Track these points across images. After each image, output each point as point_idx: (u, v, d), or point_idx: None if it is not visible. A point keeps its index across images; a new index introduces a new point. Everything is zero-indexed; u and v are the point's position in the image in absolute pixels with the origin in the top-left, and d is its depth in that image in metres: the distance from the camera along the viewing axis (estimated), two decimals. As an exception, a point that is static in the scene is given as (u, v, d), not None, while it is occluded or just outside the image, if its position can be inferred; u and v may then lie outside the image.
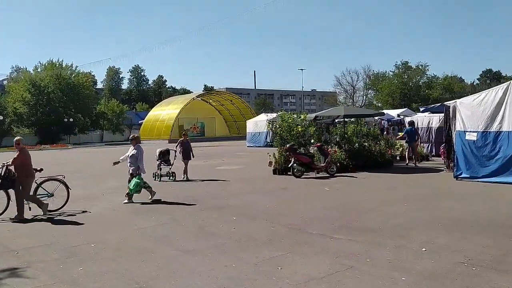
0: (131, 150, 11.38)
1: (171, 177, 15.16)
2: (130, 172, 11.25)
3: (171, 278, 5.45)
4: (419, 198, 10.57)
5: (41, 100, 60.45)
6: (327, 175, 15.39)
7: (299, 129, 17.36)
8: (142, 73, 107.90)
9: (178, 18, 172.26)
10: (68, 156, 34.71)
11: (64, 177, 10.59)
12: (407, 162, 18.16)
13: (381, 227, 7.64)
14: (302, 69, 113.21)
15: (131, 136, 12.01)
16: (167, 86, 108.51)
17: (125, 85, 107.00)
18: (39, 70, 64.15)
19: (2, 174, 9.46)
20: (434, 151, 20.78)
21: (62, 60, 65.50)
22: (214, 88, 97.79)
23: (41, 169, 9.95)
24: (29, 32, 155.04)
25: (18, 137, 9.94)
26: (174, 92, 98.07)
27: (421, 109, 19.40)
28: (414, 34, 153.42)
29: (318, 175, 15.47)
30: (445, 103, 14.45)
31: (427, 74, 78.10)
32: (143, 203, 10.86)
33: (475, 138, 12.92)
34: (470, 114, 13.09)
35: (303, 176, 15.22)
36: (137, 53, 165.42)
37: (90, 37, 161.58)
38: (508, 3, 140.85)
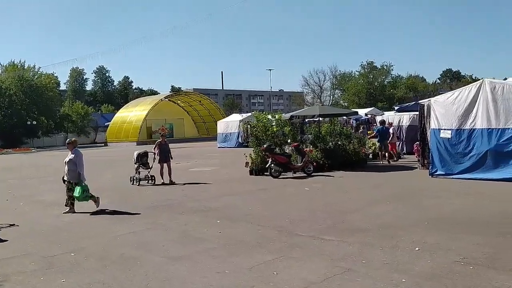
0: (68, 156, 10.35)
1: (150, 181, 14.55)
2: (67, 179, 10.20)
3: None
4: (399, 196, 10.62)
5: (2, 102, 58.01)
6: (304, 175, 15.32)
7: (274, 129, 17.27)
8: (107, 74, 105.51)
9: (144, 19, 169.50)
10: (33, 160, 33.44)
11: None
12: (381, 160, 18.38)
13: (369, 227, 7.58)
14: (270, 70, 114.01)
15: (67, 140, 10.98)
16: (133, 88, 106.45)
17: (89, 87, 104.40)
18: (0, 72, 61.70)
19: None
20: (405, 149, 21.10)
21: (24, 61, 63.27)
22: (182, 89, 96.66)
23: None
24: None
25: None
26: (141, 93, 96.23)
27: (396, 108, 19.69)
28: (379, 35, 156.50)
29: (295, 175, 15.39)
30: (420, 101, 14.65)
31: (391, 74, 79.81)
32: (114, 211, 10.44)
33: (449, 136, 13.13)
34: (444, 112, 13.29)
35: (280, 176, 15.11)
36: (102, 54, 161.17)
37: (53, 38, 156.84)
38: (466, 3, 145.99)
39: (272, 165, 15.10)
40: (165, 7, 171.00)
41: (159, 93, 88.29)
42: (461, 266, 5.41)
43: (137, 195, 12.55)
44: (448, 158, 13.12)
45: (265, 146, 15.56)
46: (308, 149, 16.64)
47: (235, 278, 5.35)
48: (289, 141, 16.69)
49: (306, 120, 21.73)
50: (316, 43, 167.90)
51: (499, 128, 12.25)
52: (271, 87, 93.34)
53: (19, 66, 61.29)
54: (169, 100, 62.64)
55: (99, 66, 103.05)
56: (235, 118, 38.48)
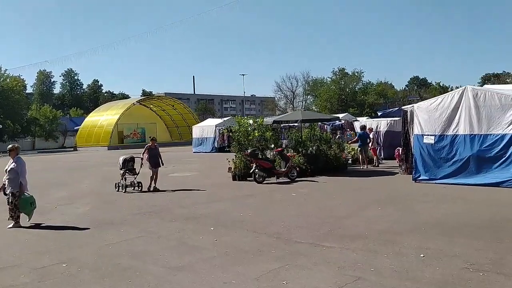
0: (10, 164, 9.41)
1: (136, 187, 13.87)
2: (7, 191, 9.25)
3: (170, 300, 4.95)
4: (388, 201, 10.65)
5: (-34, 105, 55.91)
6: (288, 180, 15.25)
7: (256, 134, 17.13)
8: (76, 77, 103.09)
9: (114, 22, 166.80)
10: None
11: None
12: (361, 166, 18.55)
13: (367, 233, 7.52)
14: (243, 75, 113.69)
15: (9, 146, 9.96)
16: (103, 91, 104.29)
17: (57, 90, 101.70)
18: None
19: None
20: (382, 154, 21.34)
21: (-11, 64, 61.21)
22: (153, 93, 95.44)
23: None
24: None
25: None
26: (112, 97, 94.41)
27: (379, 114, 19.87)
28: (350, 42, 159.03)
29: (278, 180, 15.29)
30: (403, 107, 14.82)
31: (362, 81, 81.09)
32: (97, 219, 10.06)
33: (432, 142, 13.32)
34: (427, 118, 13.48)
35: (264, 182, 14.97)
36: (73, 56, 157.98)
37: (19, 40, 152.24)
38: (433, 12, 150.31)
39: (257, 170, 14.95)
40: (136, 11, 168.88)
41: (130, 97, 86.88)
42: (471, 272, 5.39)
43: (120, 202, 12.15)
44: (431, 163, 13.30)
45: (249, 151, 15.40)
46: (290, 154, 16.57)
47: (243, 289, 5.17)
48: (273, 146, 16.57)
49: (282, 125, 21.77)
50: (287, 49, 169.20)
51: (482, 134, 12.50)
52: (244, 92, 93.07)
53: (-17, 69, 59.24)
54: (141, 104, 61.64)
55: (68, 69, 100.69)
56: (211, 122, 38.17)
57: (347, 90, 78.93)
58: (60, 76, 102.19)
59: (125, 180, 13.92)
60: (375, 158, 19.35)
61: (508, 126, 11.97)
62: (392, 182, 14.23)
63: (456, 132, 12.91)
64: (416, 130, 13.69)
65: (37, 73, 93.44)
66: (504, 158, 11.99)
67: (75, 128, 63.72)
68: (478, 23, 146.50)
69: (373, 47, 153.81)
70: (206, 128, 36.79)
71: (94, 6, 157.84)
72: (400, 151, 15.81)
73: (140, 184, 13.87)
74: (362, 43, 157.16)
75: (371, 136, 19.05)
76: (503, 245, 6.52)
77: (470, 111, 12.65)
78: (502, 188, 11.63)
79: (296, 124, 27.01)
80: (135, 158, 14.24)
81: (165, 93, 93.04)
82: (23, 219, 9.41)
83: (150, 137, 15.26)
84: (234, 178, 15.93)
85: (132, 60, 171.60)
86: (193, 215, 9.84)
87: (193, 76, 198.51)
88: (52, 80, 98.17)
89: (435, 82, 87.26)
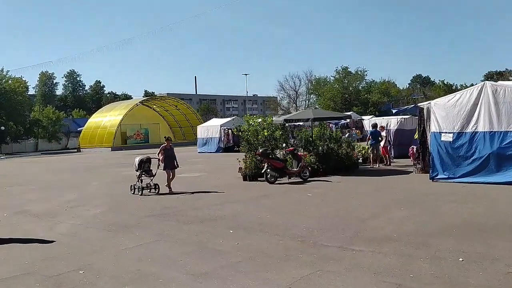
0: None
1: (153, 190, 13.21)
2: None
3: (199, 310, 4.60)
4: (409, 201, 10.29)
5: (-32, 107, 55.62)
6: (300, 180, 14.90)
7: (265, 133, 16.78)
8: (78, 79, 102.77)
9: (116, 23, 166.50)
10: (5, 167, 31.90)
11: None
12: (372, 164, 18.20)
13: (396, 236, 7.17)
14: (246, 74, 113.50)
15: None
16: (105, 92, 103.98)
17: (59, 91, 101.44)
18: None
19: None
20: (393, 153, 20.96)
21: (-9, 64, 60.91)
22: (155, 93, 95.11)
23: None
24: None
25: None
26: (115, 97, 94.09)
27: (394, 111, 19.51)
28: (353, 40, 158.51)
29: (290, 180, 14.94)
30: (419, 104, 14.46)
31: (365, 79, 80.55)
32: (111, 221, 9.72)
33: (451, 139, 12.96)
34: (445, 115, 13.11)
35: (276, 182, 14.62)
36: (75, 57, 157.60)
37: (21, 41, 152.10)
38: (435, 12, 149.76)
39: (268, 170, 14.59)
40: (136, 11, 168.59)
41: (132, 97, 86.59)
42: (518, 277, 5.05)
43: (131, 203, 11.81)
44: (450, 162, 12.94)
45: (260, 150, 15.05)
46: (303, 153, 16.20)
47: (277, 297, 4.82)
48: (284, 145, 16.21)
49: (287, 124, 21.36)
50: (289, 48, 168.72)
51: (502, 131, 12.16)
52: (247, 92, 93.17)
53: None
54: (144, 104, 61.35)
55: (70, 70, 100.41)
56: (216, 122, 37.83)
57: (351, 89, 78.48)
58: (62, 77, 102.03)
59: (141, 182, 13.26)
60: (386, 156, 18.99)
61: (529, 123, 11.62)
62: (408, 181, 13.87)
63: (475, 129, 12.54)
64: (433, 127, 13.33)
65: (39, 74, 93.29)
66: (525, 156, 11.63)
67: (78, 129, 63.44)
68: (480, 21, 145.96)
69: (375, 45, 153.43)
70: (211, 128, 36.44)
71: (94, 6, 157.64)
72: (415, 149, 15.47)
73: (157, 186, 13.23)
74: (364, 42, 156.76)
75: (383, 134, 18.69)
76: (544, 248, 6.17)
77: (490, 107, 12.30)
78: (524, 186, 11.27)
79: (301, 123, 26.78)
80: (151, 159, 13.59)
81: (167, 93, 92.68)
82: (36, 225, 9.08)
83: (165, 137, 14.43)
84: (244, 179, 15.58)
85: (133, 60, 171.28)
86: (209, 217, 9.49)
87: (195, 77, 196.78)
88: (54, 81, 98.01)
89: (439, 80, 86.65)
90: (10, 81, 60.05)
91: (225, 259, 6.34)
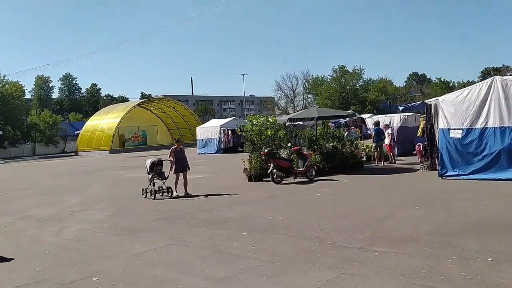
0: None
1: (166, 193, 12.73)
2: None
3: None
4: (423, 200, 10.07)
5: (-35, 112, 55.17)
6: (306, 179, 14.69)
7: (269, 133, 16.56)
8: (74, 82, 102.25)
9: (112, 25, 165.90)
10: (4, 172, 31.55)
11: None
12: (377, 163, 18.02)
13: (416, 236, 6.94)
14: (243, 75, 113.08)
15: None
16: (102, 95, 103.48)
17: (55, 95, 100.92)
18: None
19: None
20: (396, 151, 20.78)
21: (-12, 69, 60.51)
22: (152, 95, 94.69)
23: None
24: None
25: None
26: (111, 100, 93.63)
27: (401, 108, 19.31)
28: (349, 39, 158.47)
29: (296, 180, 14.74)
30: (426, 101, 14.27)
31: (363, 78, 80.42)
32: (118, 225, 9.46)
33: (460, 136, 12.77)
34: (453, 111, 12.92)
35: (282, 182, 14.41)
36: (71, 60, 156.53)
37: (16, 45, 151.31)
38: (431, 11, 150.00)
39: (275, 170, 14.37)
40: (132, 13, 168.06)
41: (129, 100, 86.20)
42: (555, 277, 4.84)
43: (137, 207, 11.57)
44: (459, 159, 12.75)
45: (266, 150, 14.82)
46: (309, 152, 15.98)
47: (304, 303, 4.60)
48: (289, 145, 15.99)
49: (287, 124, 21.15)
50: (285, 48, 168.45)
51: (513, 126, 11.96)
52: (244, 92, 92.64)
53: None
54: (141, 106, 61.05)
55: (66, 73, 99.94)
56: (215, 123, 37.58)
57: (348, 87, 78.34)
58: (58, 81, 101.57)
59: (154, 185, 12.82)
60: (390, 154, 18.82)
61: (541, 117, 11.43)
62: (417, 179, 13.68)
63: (485, 125, 12.35)
64: (442, 124, 13.14)
65: (35, 78, 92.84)
66: (537, 151, 11.45)
67: (75, 132, 63.06)
68: (475, 17, 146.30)
69: (371, 43, 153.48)
70: (211, 129, 36.21)
71: (89, 9, 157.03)
72: (421, 146, 15.29)
73: (170, 189, 12.76)
74: (359, 40, 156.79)
75: (389, 131, 18.51)
76: None
77: (500, 102, 12.11)
78: (537, 182, 11.09)
79: (301, 123, 26.58)
80: (163, 161, 13.13)
81: (163, 95, 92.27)
82: (42, 231, 8.83)
83: (175, 139, 14.00)
84: (250, 179, 15.36)
85: (128, 63, 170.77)
86: (219, 219, 9.25)
87: (191, 78, 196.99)
88: (50, 85, 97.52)
89: (436, 78, 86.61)
90: (7, 86, 59.69)
91: (243, 263, 6.11)
